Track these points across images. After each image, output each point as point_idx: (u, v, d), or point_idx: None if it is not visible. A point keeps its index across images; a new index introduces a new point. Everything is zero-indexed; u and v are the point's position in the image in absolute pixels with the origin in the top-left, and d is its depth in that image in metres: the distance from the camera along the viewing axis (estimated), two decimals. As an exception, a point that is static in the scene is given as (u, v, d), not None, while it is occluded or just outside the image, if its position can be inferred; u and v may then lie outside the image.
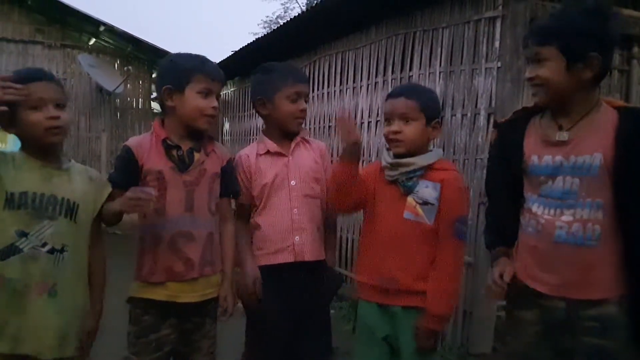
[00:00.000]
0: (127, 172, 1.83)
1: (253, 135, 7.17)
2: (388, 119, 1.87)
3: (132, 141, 1.88)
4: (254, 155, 2.07)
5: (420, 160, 1.83)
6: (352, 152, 1.81)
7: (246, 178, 2.06)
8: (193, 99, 1.82)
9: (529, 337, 1.54)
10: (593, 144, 1.47)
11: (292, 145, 2.07)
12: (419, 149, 1.86)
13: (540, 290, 1.51)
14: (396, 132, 1.83)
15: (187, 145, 1.87)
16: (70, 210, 1.65)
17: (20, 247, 1.55)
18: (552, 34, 1.48)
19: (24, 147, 1.65)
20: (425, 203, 1.81)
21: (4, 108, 1.48)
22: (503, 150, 1.67)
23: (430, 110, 1.87)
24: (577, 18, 1.46)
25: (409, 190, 1.83)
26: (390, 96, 1.92)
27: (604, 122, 1.49)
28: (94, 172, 1.82)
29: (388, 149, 1.94)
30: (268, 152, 2.06)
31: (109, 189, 1.80)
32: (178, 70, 1.85)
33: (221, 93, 1.99)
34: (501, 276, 1.56)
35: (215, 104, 1.87)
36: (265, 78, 2.09)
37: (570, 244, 1.47)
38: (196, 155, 1.88)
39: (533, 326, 1.53)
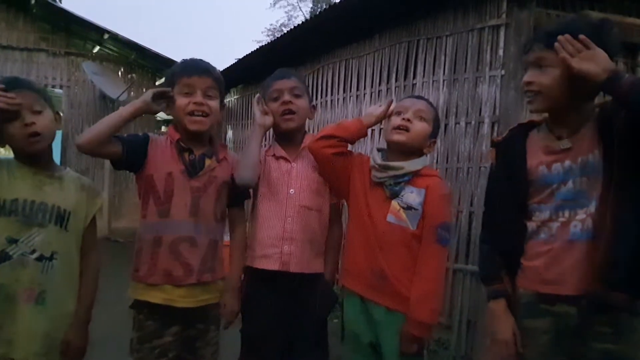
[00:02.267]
0: (135, 140, 1.87)
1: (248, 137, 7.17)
2: (400, 112, 1.90)
3: (153, 135, 1.93)
4: (262, 153, 2.07)
5: (409, 166, 1.85)
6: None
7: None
8: (178, 101, 1.85)
9: (541, 346, 1.52)
10: (590, 143, 1.50)
11: (298, 152, 2.05)
12: (413, 152, 1.88)
13: (558, 292, 1.49)
14: (408, 120, 1.86)
15: (199, 150, 1.89)
16: (61, 217, 1.65)
17: (10, 253, 1.56)
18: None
19: (16, 155, 1.66)
20: (409, 208, 1.82)
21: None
22: (506, 167, 1.66)
23: (437, 127, 1.97)
24: (583, 28, 1.44)
25: (394, 194, 1.84)
26: (411, 96, 2.05)
27: (595, 123, 1.52)
28: (87, 180, 1.83)
29: (379, 150, 1.96)
30: (274, 155, 2.05)
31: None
32: (167, 80, 1.92)
33: (215, 87, 1.88)
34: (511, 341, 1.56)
35: (198, 99, 1.84)
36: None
37: (584, 240, 1.47)
38: (207, 162, 1.89)
39: (544, 335, 1.51)
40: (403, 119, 1.87)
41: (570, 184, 1.51)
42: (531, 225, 1.57)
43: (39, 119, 1.61)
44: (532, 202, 1.58)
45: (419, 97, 2.03)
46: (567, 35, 1.41)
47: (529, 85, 1.54)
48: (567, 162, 1.52)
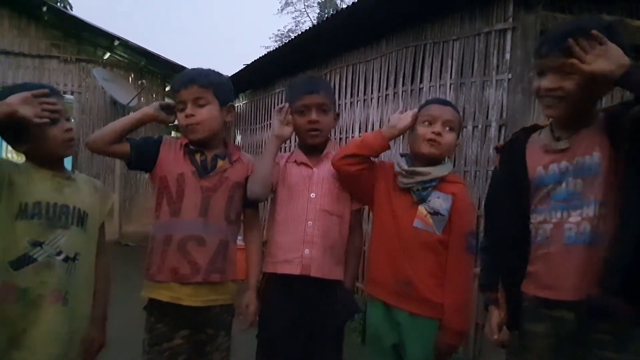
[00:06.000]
0: (145, 142, 1.94)
1: (264, 147, 7.20)
2: (429, 122, 1.87)
3: (168, 137, 1.98)
4: (284, 159, 2.09)
5: (436, 171, 1.85)
6: None
7: (275, 170, 2.03)
8: (177, 118, 1.92)
9: (541, 350, 1.51)
10: (590, 144, 1.48)
11: (320, 158, 2.05)
12: (442, 160, 1.89)
13: (556, 297, 1.48)
14: (439, 134, 1.84)
15: (212, 152, 1.92)
16: (81, 219, 1.67)
17: (35, 256, 1.56)
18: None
19: (31, 160, 1.67)
20: (435, 213, 1.82)
21: (46, 120, 1.52)
22: (507, 170, 1.65)
23: (461, 129, 1.98)
24: (595, 27, 1.39)
25: (421, 200, 1.84)
26: (436, 102, 1.98)
27: (598, 125, 1.50)
28: (98, 182, 1.87)
29: (403, 155, 1.96)
30: (295, 162, 2.06)
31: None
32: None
33: (204, 94, 1.87)
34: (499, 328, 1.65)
35: (188, 111, 1.88)
36: None
37: (579, 244, 1.45)
38: (220, 162, 1.92)
39: (545, 339, 1.50)
40: (433, 132, 1.84)
41: (564, 185, 1.49)
42: (532, 228, 1.56)
43: (72, 125, 1.68)
44: (533, 205, 1.56)
45: (445, 103, 1.98)
46: (572, 40, 1.38)
47: (551, 91, 1.48)
48: (564, 163, 1.50)
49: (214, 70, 1.99)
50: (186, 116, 1.87)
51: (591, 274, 1.44)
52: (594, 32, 1.36)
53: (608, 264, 1.40)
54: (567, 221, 1.48)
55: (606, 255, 1.41)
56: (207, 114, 1.89)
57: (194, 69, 1.97)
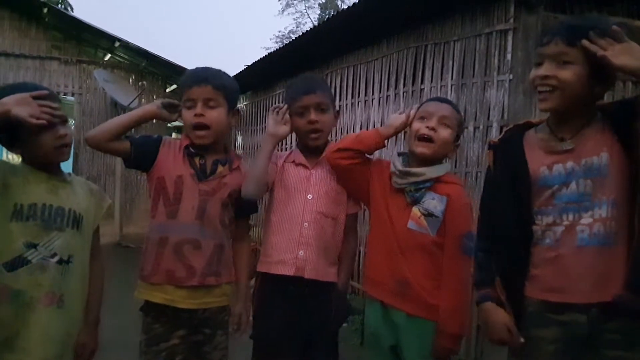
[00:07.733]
0: (146, 140, 1.92)
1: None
2: (425, 117, 1.84)
3: (168, 137, 1.96)
4: (282, 159, 2.07)
5: (430, 172, 1.82)
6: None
7: (272, 170, 2.02)
8: (184, 113, 1.89)
9: (548, 355, 1.48)
10: (596, 145, 1.45)
11: (318, 160, 2.04)
12: (437, 159, 1.86)
13: (566, 300, 1.45)
14: (433, 129, 1.81)
15: (213, 156, 1.91)
16: (76, 221, 1.66)
17: (29, 258, 1.55)
18: (584, 37, 1.37)
19: (27, 161, 1.66)
20: (429, 215, 1.80)
21: (43, 122, 1.50)
22: (506, 170, 1.60)
23: (461, 130, 1.93)
24: (607, 26, 1.37)
25: (415, 201, 1.82)
26: (434, 100, 1.98)
27: (599, 125, 1.48)
28: (95, 186, 1.85)
29: (399, 154, 1.94)
30: (294, 162, 2.05)
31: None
32: (179, 92, 1.96)
33: (216, 96, 1.86)
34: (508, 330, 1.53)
35: (198, 110, 1.85)
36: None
37: (594, 245, 1.43)
38: (219, 168, 1.90)
39: (551, 344, 1.47)
40: (427, 127, 1.82)
41: (573, 186, 1.46)
42: (536, 230, 1.52)
43: (67, 129, 1.64)
44: (535, 205, 1.53)
45: (443, 100, 1.97)
46: (596, 32, 1.35)
47: (545, 79, 1.44)
48: (570, 164, 1.47)
49: (225, 72, 1.97)
50: (195, 115, 1.85)
51: (605, 275, 1.41)
52: (615, 28, 1.34)
53: (636, 265, 1.38)
54: (579, 223, 1.45)
55: (633, 256, 1.38)
56: (215, 117, 1.87)
57: (206, 68, 1.94)
